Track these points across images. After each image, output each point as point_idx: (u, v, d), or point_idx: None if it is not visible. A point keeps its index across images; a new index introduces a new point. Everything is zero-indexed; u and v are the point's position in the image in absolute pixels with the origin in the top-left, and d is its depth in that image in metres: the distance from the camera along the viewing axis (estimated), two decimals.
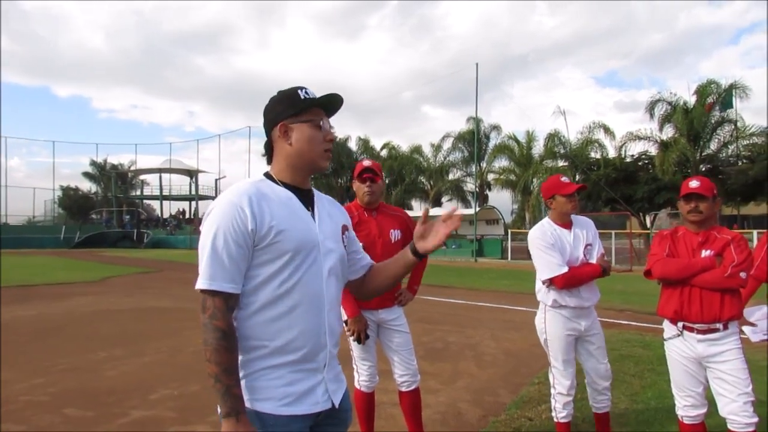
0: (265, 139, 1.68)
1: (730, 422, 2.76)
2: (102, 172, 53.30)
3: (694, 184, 2.82)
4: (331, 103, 1.67)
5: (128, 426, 3.85)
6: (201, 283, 1.46)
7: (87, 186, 54.06)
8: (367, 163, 3.25)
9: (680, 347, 2.86)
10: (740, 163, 23.74)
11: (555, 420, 3.31)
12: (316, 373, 1.58)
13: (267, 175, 1.65)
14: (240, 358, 1.51)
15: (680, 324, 2.84)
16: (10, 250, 33.66)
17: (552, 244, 3.16)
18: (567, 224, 3.27)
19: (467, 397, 4.53)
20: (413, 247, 1.67)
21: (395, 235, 3.26)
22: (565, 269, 3.10)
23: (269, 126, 1.64)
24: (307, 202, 1.65)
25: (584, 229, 3.30)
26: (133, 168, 54.67)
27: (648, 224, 27.74)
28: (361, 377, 3.30)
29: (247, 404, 1.48)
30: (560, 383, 3.26)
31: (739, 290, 2.82)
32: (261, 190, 1.55)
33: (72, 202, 51.35)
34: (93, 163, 53.57)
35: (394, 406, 4.08)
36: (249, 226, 1.47)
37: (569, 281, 3.11)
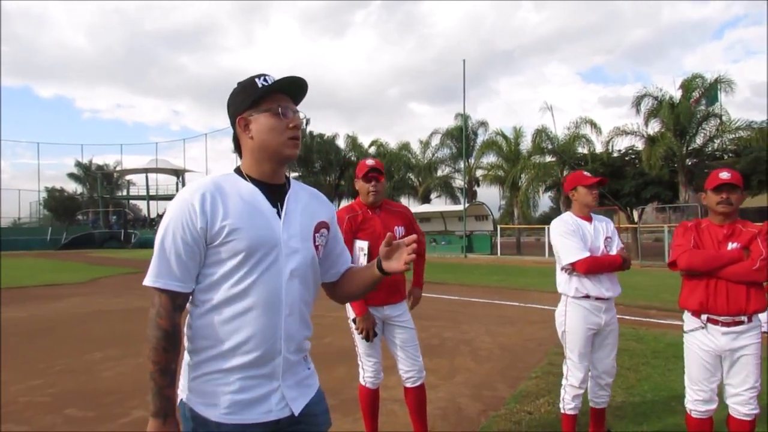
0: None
1: (733, 410, 2.82)
2: (87, 173, 52.79)
3: (725, 175, 2.79)
4: (293, 87, 1.57)
5: (130, 425, 3.85)
6: (147, 280, 1.44)
7: (72, 187, 53.66)
8: (371, 162, 3.26)
9: (702, 340, 2.84)
10: (726, 158, 23.97)
11: (562, 411, 3.33)
12: (270, 380, 1.50)
13: (237, 170, 1.59)
14: (193, 358, 1.49)
15: (704, 317, 2.82)
16: None
17: (573, 231, 3.24)
18: (587, 217, 3.35)
19: (466, 392, 4.57)
20: (379, 264, 1.60)
21: (399, 231, 3.28)
22: (587, 254, 3.16)
23: (231, 121, 1.58)
24: (276, 197, 1.56)
25: (603, 222, 3.40)
26: (118, 168, 54.17)
27: (635, 219, 28.00)
28: (366, 374, 3.32)
29: (196, 408, 1.46)
30: (573, 375, 3.28)
31: (763, 283, 2.81)
32: (220, 187, 1.49)
33: (58, 203, 50.82)
34: (78, 164, 53.09)
35: (395, 402, 4.12)
36: (198, 224, 1.43)
37: (591, 265, 3.15)
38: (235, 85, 1.59)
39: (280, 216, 1.55)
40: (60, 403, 4.34)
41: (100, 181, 51.41)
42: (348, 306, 3.25)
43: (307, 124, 39.86)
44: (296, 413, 1.54)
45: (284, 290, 1.51)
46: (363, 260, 3.11)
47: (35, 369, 5.38)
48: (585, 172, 3.40)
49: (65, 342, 6.81)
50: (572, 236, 3.22)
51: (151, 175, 52.43)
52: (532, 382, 4.74)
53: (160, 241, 1.45)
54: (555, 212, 36.32)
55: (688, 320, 2.94)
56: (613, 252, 3.28)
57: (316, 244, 1.64)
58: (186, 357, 1.52)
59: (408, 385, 3.28)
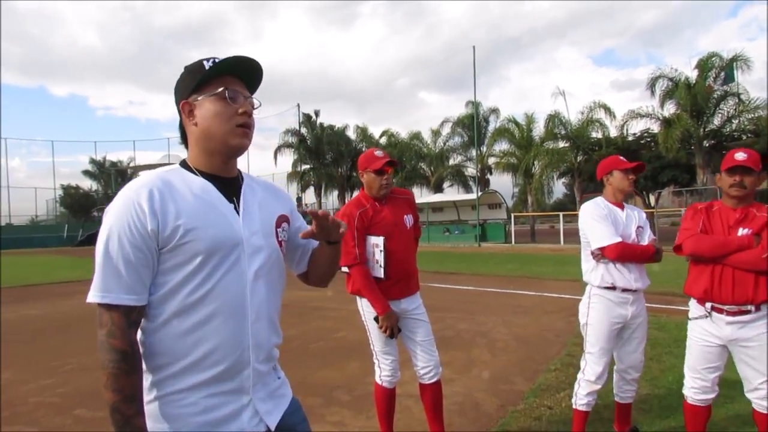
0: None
1: (756, 405, 2.71)
2: (101, 170, 53.20)
3: (740, 156, 2.64)
4: (246, 70, 1.41)
5: None
6: (93, 296, 1.24)
7: (87, 184, 54.06)
8: (381, 153, 3.09)
9: (706, 328, 2.74)
10: (744, 138, 23.45)
11: (573, 406, 3.18)
12: (240, 394, 1.36)
13: (183, 163, 1.43)
14: (149, 378, 1.31)
15: (708, 305, 2.71)
16: (14, 251, 33.67)
17: (605, 215, 3.07)
18: (620, 204, 3.19)
19: (483, 386, 4.44)
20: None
21: (408, 220, 3.16)
22: (618, 239, 2.99)
23: (177, 107, 1.42)
24: (231, 192, 1.41)
25: (635, 212, 3.24)
26: (132, 164, 54.49)
27: (652, 203, 27.57)
28: (383, 372, 3.18)
29: None
30: (591, 370, 3.11)
31: None
32: (168, 182, 1.33)
33: (73, 200, 51.31)
34: (92, 161, 53.48)
35: (410, 397, 4.01)
36: (148, 225, 1.25)
37: (623, 252, 2.98)
38: (182, 70, 1.43)
39: (238, 212, 1.40)
40: (70, 403, 4.29)
41: (114, 177, 51.77)
42: (361, 302, 3.13)
43: (317, 117, 39.78)
44: (272, 428, 1.42)
45: (249, 293, 1.36)
46: (378, 256, 2.99)
47: (47, 367, 5.35)
48: (621, 157, 3.23)
49: (78, 339, 6.76)
50: (604, 220, 3.05)
51: None
52: (551, 374, 4.59)
53: (104, 249, 1.25)
54: (569, 198, 35.92)
55: (693, 307, 2.83)
56: (645, 242, 3.11)
57: (279, 239, 1.50)
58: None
59: (424, 381, 3.14)
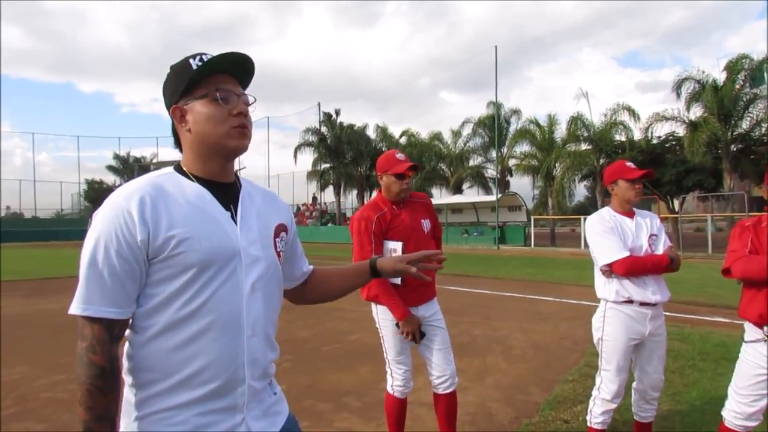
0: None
1: None
2: (125, 165, 54.06)
3: None
4: (236, 66, 1.32)
5: None
6: (74, 308, 1.17)
7: (111, 179, 54.87)
8: (401, 156, 2.99)
9: (762, 353, 2.52)
10: None
11: (588, 424, 3.05)
12: (233, 412, 1.28)
13: (177, 167, 1.35)
14: (137, 394, 1.24)
15: (766, 329, 2.50)
16: (40, 243, 34.38)
17: (611, 228, 2.92)
18: (629, 213, 3.03)
19: (497, 395, 4.32)
20: (374, 263, 1.52)
21: (426, 225, 3.06)
22: (626, 253, 2.84)
23: (167, 111, 1.34)
24: (228, 198, 1.33)
25: (648, 218, 3.05)
26: (155, 161, 55.23)
27: (676, 208, 27.01)
28: (396, 382, 3.08)
29: None
30: (607, 388, 2.97)
31: None
32: (161, 188, 1.25)
33: (97, 194, 52.08)
34: (116, 157, 54.42)
35: (422, 405, 3.91)
36: (138, 235, 1.17)
37: (631, 267, 2.83)
38: (168, 70, 1.34)
39: (235, 220, 1.32)
40: None
41: (137, 173, 52.50)
42: (376, 309, 3.04)
43: (337, 116, 39.81)
44: None
45: (245, 307, 1.28)
46: None
47: (60, 363, 5.37)
48: (627, 163, 3.04)
49: None
50: (610, 234, 2.89)
51: None
52: (569, 386, 4.45)
53: (90, 259, 1.18)
54: (590, 201, 35.37)
55: (749, 329, 2.61)
56: (660, 251, 2.93)
57: (278, 250, 1.42)
58: (127, 393, 1.27)
59: (439, 391, 3.02)
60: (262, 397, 1.37)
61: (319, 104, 40.45)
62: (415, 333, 2.88)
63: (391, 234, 2.95)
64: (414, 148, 35.90)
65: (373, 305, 3.07)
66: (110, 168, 54.51)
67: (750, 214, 20.15)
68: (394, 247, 2.92)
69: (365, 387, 4.50)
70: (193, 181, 1.31)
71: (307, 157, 41.76)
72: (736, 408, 2.62)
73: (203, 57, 1.28)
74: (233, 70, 1.32)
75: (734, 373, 2.68)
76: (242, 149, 1.32)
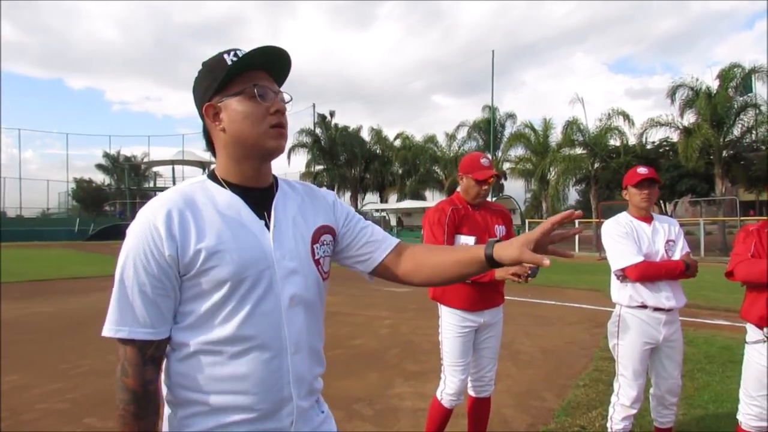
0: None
1: None
2: (115, 164, 53.52)
3: None
4: (272, 61, 1.23)
5: None
6: (107, 330, 1.12)
7: (100, 178, 54.38)
8: (485, 162, 2.96)
9: (764, 353, 2.60)
10: (765, 149, 23.12)
11: (609, 430, 3.02)
12: None
13: (211, 174, 1.28)
14: (177, 413, 1.18)
15: (767, 330, 2.59)
16: (24, 243, 33.87)
17: (626, 233, 2.91)
18: (646, 218, 3.01)
19: (511, 401, 4.24)
20: (491, 251, 1.21)
21: (500, 230, 3.02)
22: (640, 258, 2.82)
23: (199, 111, 1.26)
24: (262, 205, 1.25)
25: (666, 224, 3.03)
26: (146, 160, 54.81)
27: (669, 212, 27.17)
28: (447, 389, 2.93)
29: None
30: (626, 394, 2.95)
31: None
32: (190, 199, 1.18)
33: (86, 194, 51.56)
34: (106, 155, 53.84)
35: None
36: (166, 251, 1.11)
37: (644, 272, 2.82)
38: (200, 66, 1.25)
39: (268, 228, 1.23)
40: (80, 410, 4.09)
41: (128, 172, 52.05)
42: (441, 309, 2.98)
43: (332, 117, 39.67)
44: None
45: (285, 322, 1.20)
46: None
47: (57, 370, 5.16)
48: (639, 169, 3.02)
49: (90, 340, 6.54)
50: (624, 239, 2.90)
51: (178, 167, 53.05)
52: (581, 390, 4.38)
53: (120, 277, 1.13)
54: (581, 205, 35.52)
55: (751, 331, 2.70)
56: (676, 257, 2.92)
57: (316, 258, 1.30)
58: (167, 410, 1.21)
59: (474, 393, 3.02)
60: (310, 416, 1.30)
61: (313, 105, 40.38)
62: (522, 274, 2.58)
63: (464, 228, 2.92)
64: (408, 151, 35.85)
65: (439, 306, 3.02)
66: (99, 167, 53.93)
67: (742, 219, 20.36)
68: (467, 241, 2.89)
69: (375, 394, 4.40)
70: (225, 188, 1.23)
71: (301, 159, 41.55)
72: (749, 411, 2.69)
73: (238, 52, 1.20)
74: (269, 65, 1.24)
75: (742, 377, 2.75)
76: (279, 151, 1.24)
